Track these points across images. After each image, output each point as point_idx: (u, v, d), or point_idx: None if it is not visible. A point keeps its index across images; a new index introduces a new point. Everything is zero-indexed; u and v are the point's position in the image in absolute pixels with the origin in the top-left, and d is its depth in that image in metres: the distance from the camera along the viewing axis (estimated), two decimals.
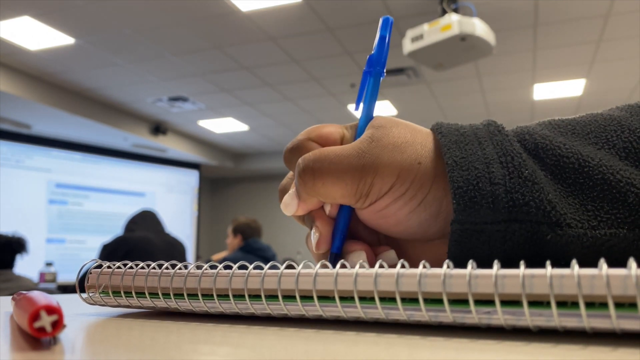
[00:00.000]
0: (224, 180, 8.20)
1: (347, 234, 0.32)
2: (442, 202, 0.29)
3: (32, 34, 3.45)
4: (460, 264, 0.26)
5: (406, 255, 0.32)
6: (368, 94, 0.33)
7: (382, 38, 0.33)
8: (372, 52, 0.33)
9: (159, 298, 0.30)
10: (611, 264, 0.24)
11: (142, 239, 2.29)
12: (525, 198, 0.26)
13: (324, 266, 0.29)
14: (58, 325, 0.22)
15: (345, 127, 0.34)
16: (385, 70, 0.33)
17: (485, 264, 0.26)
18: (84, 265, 0.33)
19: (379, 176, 0.29)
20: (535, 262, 0.26)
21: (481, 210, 0.27)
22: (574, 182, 0.27)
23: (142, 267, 0.31)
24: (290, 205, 0.32)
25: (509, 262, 0.26)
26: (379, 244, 0.33)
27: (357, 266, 0.25)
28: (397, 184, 0.29)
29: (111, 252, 2.21)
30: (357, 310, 0.24)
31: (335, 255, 0.31)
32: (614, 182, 0.26)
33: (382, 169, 0.29)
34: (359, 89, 0.34)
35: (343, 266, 0.26)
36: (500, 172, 0.27)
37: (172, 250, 2.41)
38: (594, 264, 0.24)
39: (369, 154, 0.29)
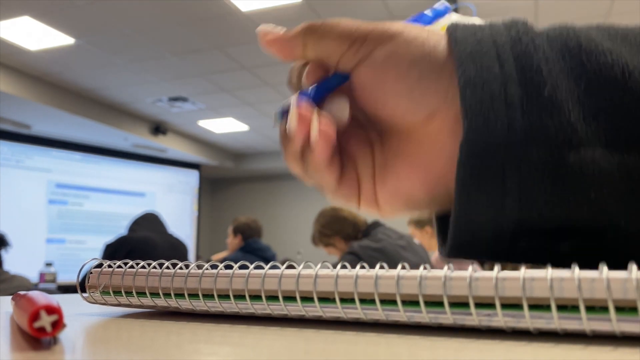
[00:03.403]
0: (224, 180, 8.20)
1: (327, 91, 0.29)
2: (439, 44, 0.27)
3: (32, 34, 3.45)
4: (470, 190, 0.25)
5: (401, 152, 0.29)
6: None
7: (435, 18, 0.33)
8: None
9: (160, 297, 0.30)
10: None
11: (144, 239, 2.30)
12: (543, 121, 0.24)
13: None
14: (58, 325, 0.22)
15: None
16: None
17: (497, 191, 0.24)
18: (85, 264, 0.33)
19: (378, 25, 0.28)
20: (555, 189, 0.24)
21: (495, 132, 0.24)
22: (611, 98, 0.24)
23: (143, 267, 0.31)
24: (271, 29, 0.29)
25: (526, 189, 0.24)
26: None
27: (358, 267, 0.25)
28: (397, 34, 0.27)
29: (114, 251, 2.22)
30: (358, 312, 0.24)
31: (304, 96, 0.28)
32: None
33: (382, 25, 0.28)
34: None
35: (344, 267, 0.26)
36: (518, 93, 0.24)
37: (174, 250, 2.41)
38: (619, 193, 0.23)
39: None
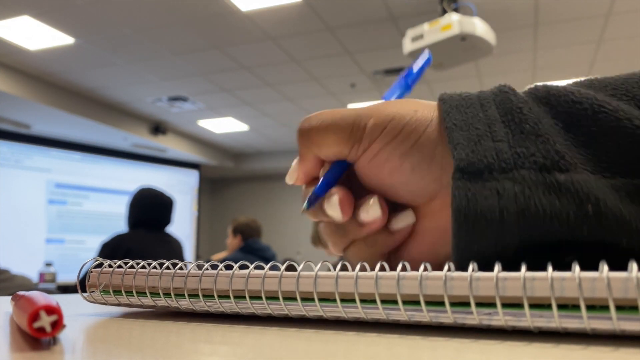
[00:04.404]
0: (224, 180, 8.20)
1: (333, 183, 0.31)
2: (436, 146, 0.28)
3: (32, 34, 3.45)
4: (468, 215, 0.25)
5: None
6: (395, 95, 0.36)
7: (423, 69, 0.36)
8: (412, 68, 0.36)
9: (160, 297, 0.30)
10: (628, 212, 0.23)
11: (141, 238, 2.29)
12: (530, 150, 0.25)
13: (308, 203, 0.31)
14: (58, 325, 0.22)
15: None
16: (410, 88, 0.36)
17: (494, 209, 0.24)
18: (85, 263, 0.33)
19: (373, 120, 0.29)
20: (551, 204, 0.24)
21: (485, 160, 0.25)
22: (587, 130, 0.25)
23: (143, 267, 0.31)
24: (291, 171, 0.33)
25: (523, 204, 0.24)
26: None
27: (357, 268, 0.25)
28: (389, 127, 0.29)
29: (111, 250, 2.21)
30: (358, 311, 0.24)
31: (316, 195, 0.31)
32: (631, 128, 0.24)
33: (376, 114, 0.30)
34: (391, 88, 0.36)
35: (344, 268, 0.26)
36: (503, 131, 0.26)
37: (170, 249, 2.40)
38: (616, 206, 0.23)
39: (366, 108, 0.31)
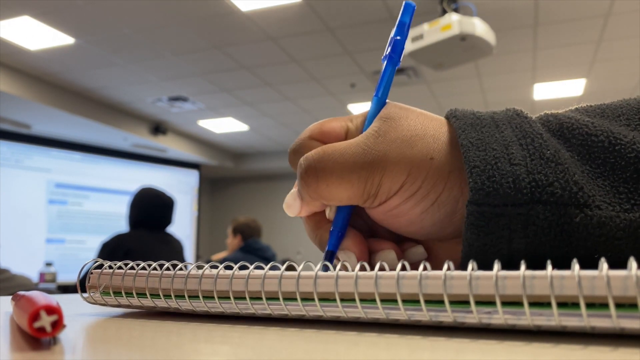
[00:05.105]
0: (224, 180, 8.20)
1: (344, 232, 0.30)
2: (458, 201, 0.27)
3: (32, 34, 3.44)
4: (477, 252, 0.25)
5: (427, 251, 0.31)
6: (384, 80, 0.31)
7: (402, 24, 0.31)
8: (397, 37, 0.31)
9: (160, 298, 0.30)
10: None
11: (141, 238, 2.29)
12: (549, 179, 0.24)
13: (325, 266, 0.29)
14: (58, 325, 0.22)
15: (350, 119, 0.32)
16: (400, 60, 0.32)
17: (504, 253, 0.24)
18: (85, 264, 0.33)
19: (388, 174, 0.27)
20: (561, 250, 0.24)
21: (501, 189, 0.24)
22: (604, 162, 0.25)
23: (143, 268, 0.31)
24: (292, 206, 0.30)
25: (532, 250, 0.24)
26: (399, 239, 0.31)
27: (357, 268, 0.25)
28: (407, 182, 0.27)
29: (111, 251, 2.21)
30: (358, 311, 0.24)
31: (331, 252, 0.30)
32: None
33: (390, 167, 0.27)
34: (381, 76, 0.32)
35: (343, 268, 0.26)
36: (521, 154, 0.25)
37: (171, 250, 2.40)
38: (628, 251, 0.23)
39: (376, 150, 0.27)
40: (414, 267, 0.29)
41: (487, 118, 0.28)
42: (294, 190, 0.31)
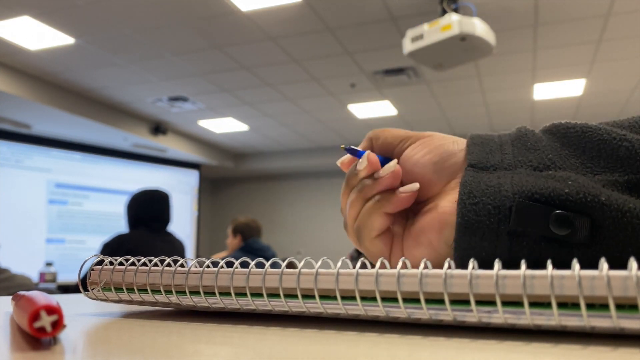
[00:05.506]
0: (224, 180, 8.20)
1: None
2: (455, 154, 0.36)
3: (32, 34, 3.45)
4: (470, 193, 0.31)
5: (426, 202, 0.37)
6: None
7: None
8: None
9: (161, 293, 0.30)
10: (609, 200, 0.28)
11: (142, 238, 2.30)
12: (528, 157, 0.33)
13: (344, 264, 0.30)
14: (58, 325, 0.22)
15: None
16: None
17: (494, 196, 0.31)
18: (86, 260, 0.33)
19: (425, 138, 0.38)
20: (537, 187, 0.30)
21: (492, 160, 0.33)
22: (577, 146, 0.32)
23: (144, 264, 0.31)
24: (363, 161, 0.37)
25: (518, 189, 0.30)
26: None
27: (358, 265, 0.25)
28: (427, 137, 0.38)
29: (112, 251, 2.22)
30: (359, 308, 0.24)
31: (359, 152, 0.37)
32: (609, 140, 0.31)
33: (427, 135, 0.38)
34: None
35: (344, 266, 0.26)
36: (510, 149, 0.34)
37: (173, 249, 2.41)
38: (592, 198, 0.28)
39: (420, 133, 0.39)
40: (409, 197, 0.36)
41: (494, 136, 0.36)
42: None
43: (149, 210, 2.41)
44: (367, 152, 0.37)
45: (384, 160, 0.38)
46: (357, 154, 0.38)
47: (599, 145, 0.31)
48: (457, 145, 0.37)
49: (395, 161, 0.37)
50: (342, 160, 0.40)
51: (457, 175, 0.35)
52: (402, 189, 0.36)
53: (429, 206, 0.36)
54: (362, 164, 0.36)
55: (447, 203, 0.34)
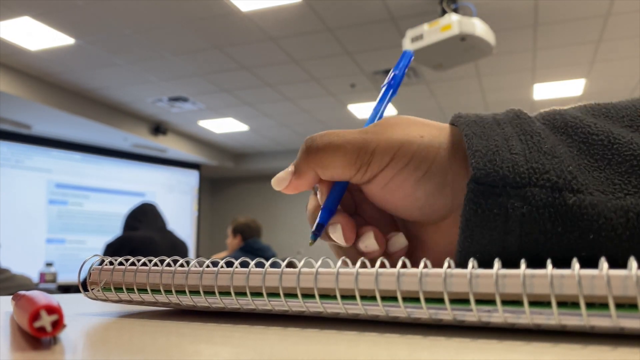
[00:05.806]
0: (224, 180, 8.20)
1: (335, 209, 0.32)
2: (446, 174, 0.29)
3: (32, 34, 3.45)
4: (474, 227, 0.26)
5: (418, 239, 0.32)
6: (384, 103, 0.35)
7: (399, 63, 0.36)
8: (396, 72, 0.36)
9: (161, 293, 0.30)
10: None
11: (145, 238, 2.30)
12: (546, 167, 0.26)
13: (314, 234, 0.31)
14: (58, 325, 0.22)
15: None
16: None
17: (499, 230, 0.26)
18: (86, 260, 0.33)
19: (380, 147, 0.30)
20: (556, 229, 0.25)
21: (500, 172, 0.26)
22: (602, 157, 0.27)
23: (144, 264, 0.31)
24: (283, 180, 0.32)
25: (528, 228, 0.25)
26: (389, 227, 0.33)
27: (358, 265, 0.25)
28: (398, 154, 0.29)
29: (115, 251, 2.22)
30: (359, 307, 0.24)
31: (320, 225, 0.31)
32: None
33: (383, 142, 0.30)
34: (379, 98, 0.36)
35: (344, 265, 0.26)
36: (520, 146, 0.27)
37: (175, 249, 2.41)
38: (619, 233, 0.24)
39: (372, 131, 0.31)
40: (401, 252, 0.32)
41: (489, 118, 0.30)
42: (289, 167, 0.33)
43: (142, 218, 2.44)
44: (339, 225, 0.31)
45: (340, 191, 0.32)
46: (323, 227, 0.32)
47: (631, 161, 0.26)
48: (432, 137, 0.30)
49: (371, 238, 0.31)
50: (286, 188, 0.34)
51: (458, 198, 0.29)
52: (391, 249, 0.31)
53: (428, 242, 0.32)
54: (338, 238, 0.31)
55: (444, 242, 0.30)
